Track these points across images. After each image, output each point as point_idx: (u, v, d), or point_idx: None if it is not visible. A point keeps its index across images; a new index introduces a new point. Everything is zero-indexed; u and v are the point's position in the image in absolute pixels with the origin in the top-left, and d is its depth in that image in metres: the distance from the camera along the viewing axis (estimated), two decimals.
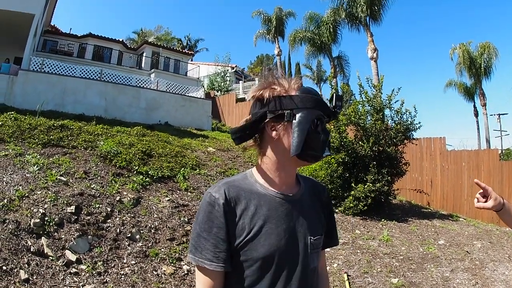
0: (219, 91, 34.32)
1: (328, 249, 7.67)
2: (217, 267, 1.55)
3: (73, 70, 20.57)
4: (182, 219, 7.95)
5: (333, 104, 1.65)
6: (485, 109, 33.33)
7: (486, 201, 2.11)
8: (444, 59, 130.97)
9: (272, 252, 1.57)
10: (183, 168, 10.63)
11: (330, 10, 31.40)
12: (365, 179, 10.55)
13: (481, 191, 2.12)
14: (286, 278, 1.60)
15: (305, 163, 1.73)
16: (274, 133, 1.64)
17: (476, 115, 36.53)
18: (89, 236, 6.46)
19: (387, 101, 11.53)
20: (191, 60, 41.88)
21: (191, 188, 9.68)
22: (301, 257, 1.65)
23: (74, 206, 6.92)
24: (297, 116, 1.61)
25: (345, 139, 10.89)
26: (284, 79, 1.70)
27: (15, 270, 5.13)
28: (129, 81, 22.34)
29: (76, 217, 6.73)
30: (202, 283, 1.60)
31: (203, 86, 33.85)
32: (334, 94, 1.65)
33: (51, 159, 8.80)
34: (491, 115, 41.56)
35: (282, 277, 1.59)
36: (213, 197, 1.59)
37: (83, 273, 5.66)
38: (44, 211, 6.46)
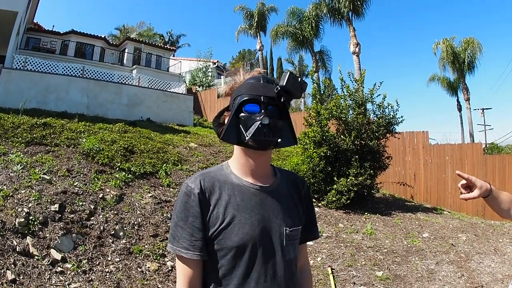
0: (200, 87, 34.15)
1: (311, 243, 7.74)
2: (193, 256, 1.61)
3: (55, 68, 20.46)
4: (165, 215, 7.96)
5: (283, 84, 1.60)
6: (469, 103, 33.64)
7: (470, 191, 2.05)
8: (427, 53, 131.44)
9: (245, 241, 1.61)
10: (165, 164, 10.61)
11: (312, 5, 31.51)
12: (347, 172, 10.58)
13: (464, 182, 2.07)
14: (261, 267, 1.63)
15: (257, 152, 1.72)
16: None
17: (460, 109, 36.93)
18: (74, 234, 6.44)
19: (369, 95, 11.58)
20: (173, 56, 41.77)
21: (173, 184, 9.67)
22: (276, 247, 1.68)
23: (57, 205, 6.89)
24: (234, 103, 1.68)
25: (327, 133, 10.88)
26: (244, 74, 1.77)
27: (2, 270, 5.11)
28: (111, 77, 22.25)
29: (60, 216, 6.70)
30: (182, 271, 1.66)
31: (185, 82, 33.71)
32: (288, 73, 1.63)
33: (34, 157, 8.73)
34: (475, 109, 42.13)
35: (257, 266, 1.63)
36: (189, 187, 1.65)
37: (68, 272, 5.66)
38: (28, 210, 6.43)
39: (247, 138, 1.64)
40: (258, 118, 1.63)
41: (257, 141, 1.63)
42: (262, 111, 1.64)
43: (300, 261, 1.96)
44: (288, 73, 1.63)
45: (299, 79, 1.65)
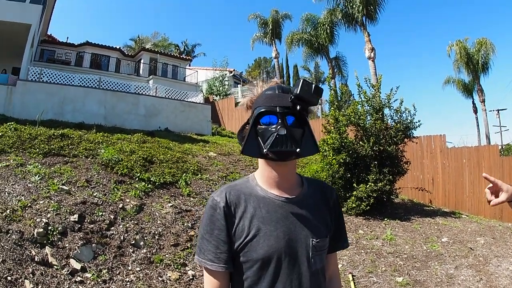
0: (218, 96, 34.30)
1: None
2: (218, 268, 1.63)
3: (71, 79, 20.58)
4: (185, 224, 7.95)
5: (297, 92, 1.58)
6: (484, 105, 33.33)
7: (496, 196, 1.95)
8: (441, 52, 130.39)
9: (271, 253, 1.61)
10: (184, 174, 10.62)
11: (327, 11, 31.38)
12: (366, 179, 10.50)
13: (490, 185, 1.97)
14: (286, 279, 1.63)
15: (279, 163, 1.70)
16: None
17: (475, 111, 36.54)
18: (93, 244, 6.46)
19: (386, 100, 11.49)
20: (189, 66, 41.94)
21: (194, 193, 9.68)
22: (301, 259, 1.67)
23: (77, 215, 6.92)
24: (252, 116, 1.68)
25: (345, 140, 10.82)
26: (261, 86, 1.77)
27: (20, 280, 5.13)
28: (127, 88, 22.33)
29: (79, 226, 6.74)
30: (208, 283, 1.68)
31: (202, 91, 33.79)
32: (302, 80, 1.61)
33: (52, 168, 8.79)
34: (490, 111, 41.87)
35: (282, 278, 1.63)
36: (215, 200, 1.67)
37: (88, 281, 5.67)
38: (47, 221, 6.46)
39: (265, 150, 1.62)
40: (274, 129, 1.61)
41: (276, 152, 1.62)
42: (279, 121, 1.62)
43: (329, 271, 1.94)
44: (302, 80, 1.61)
45: (313, 85, 1.62)
